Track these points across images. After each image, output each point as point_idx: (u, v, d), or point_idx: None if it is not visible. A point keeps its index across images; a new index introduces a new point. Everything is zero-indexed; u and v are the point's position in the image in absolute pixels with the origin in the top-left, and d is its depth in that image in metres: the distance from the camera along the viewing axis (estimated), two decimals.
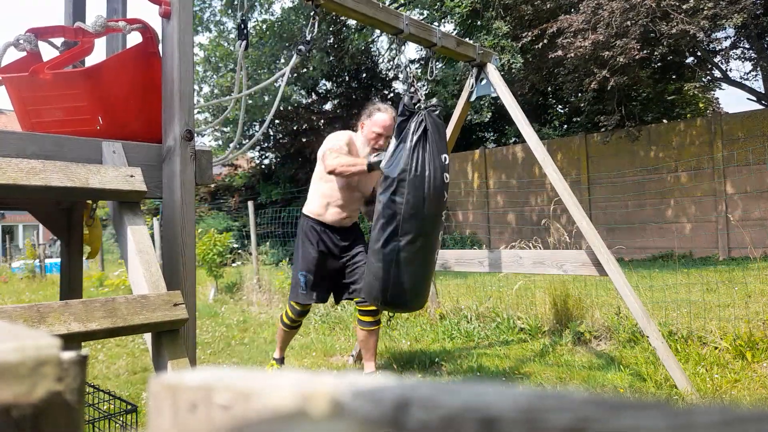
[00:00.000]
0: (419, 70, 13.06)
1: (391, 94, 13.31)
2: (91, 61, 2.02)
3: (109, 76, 1.69)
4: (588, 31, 7.33)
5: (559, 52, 7.66)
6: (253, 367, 3.38)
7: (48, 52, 1.92)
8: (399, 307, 2.70)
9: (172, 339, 1.34)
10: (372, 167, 2.57)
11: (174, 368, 1.29)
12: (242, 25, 2.11)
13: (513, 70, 8.64)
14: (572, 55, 7.50)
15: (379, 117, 2.81)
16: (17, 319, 1.10)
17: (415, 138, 2.50)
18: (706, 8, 6.61)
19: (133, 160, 1.57)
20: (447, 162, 2.52)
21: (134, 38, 1.79)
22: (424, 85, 10.90)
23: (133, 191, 1.45)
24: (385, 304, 2.61)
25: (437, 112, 2.59)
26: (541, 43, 8.14)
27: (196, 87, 12.28)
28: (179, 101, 1.61)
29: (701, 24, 6.65)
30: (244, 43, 2.10)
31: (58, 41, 1.98)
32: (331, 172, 2.68)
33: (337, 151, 2.70)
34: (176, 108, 1.61)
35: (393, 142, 2.55)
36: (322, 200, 2.89)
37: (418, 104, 2.63)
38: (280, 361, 3.20)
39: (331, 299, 3.09)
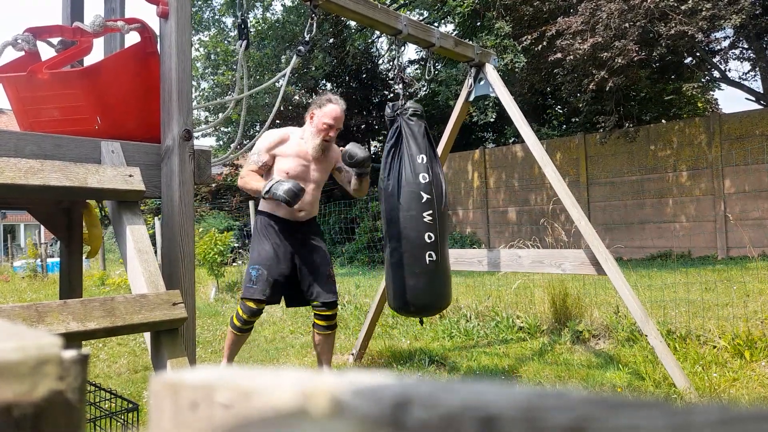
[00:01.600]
0: (418, 71, 13.08)
1: (391, 95, 13.32)
2: (89, 61, 2.01)
3: (108, 75, 1.69)
4: (586, 32, 7.32)
5: (559, 55, 7.66)
6: (254, 365, 3.37)
7: (46, 51, 1.92)
8: (413, 313, 2.69)
9: (171, 338, 1.34)
10: (263, 196, 2.54)
11: (173, 367, 1.29)
12: (242, 25, 2.11)
13: (516, 70, 8.62)
14: (571, 57, 7.51)
15: (330, 108, 2.68)
16: (16, 318, 1.09)
17: (389, 146, 2.64)
18: (704, 9, 6.61)
19: (131, 160, 1.57)
20: (424, 161, 2.57)
21: (132, 38, 1.79)
22: (423, 86, 10.90)
23: (131, 191, 1.45)
24: (399, 310, 2.65)
25: (409, 113, 2.64)
26: (540, 45, 8.13)
27: (195, 84, 12.27)
28: (177, 101, 1.61)
29: (700, 24, 6.65)
30: (245, 42, 2.09)
31: (56, 41, 1.98)
32: (239, 187, 2.71)
33: (252, 164, 2.67)
34: (174, 108, 1.61)
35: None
36: None
37: (398, 110, 2.67)
38: None
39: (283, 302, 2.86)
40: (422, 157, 2.56)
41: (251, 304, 2.64)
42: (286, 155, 2.68)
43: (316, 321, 2.81)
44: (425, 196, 2.52)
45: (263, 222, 2.76)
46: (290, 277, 2.74)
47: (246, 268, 2.76)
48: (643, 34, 7.13)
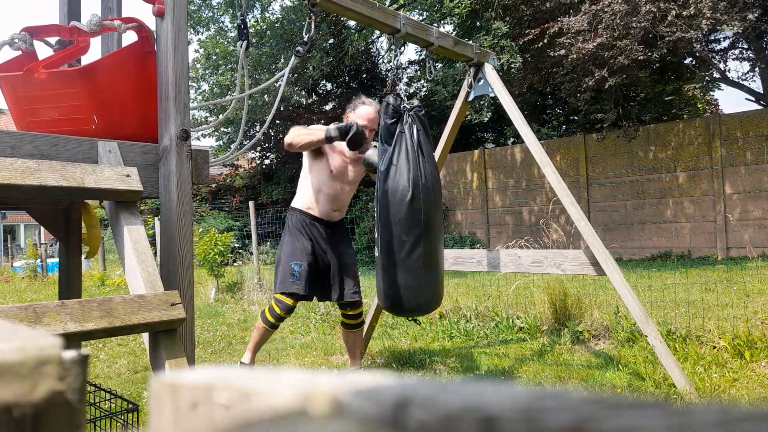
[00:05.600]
0: (418, 72, 13.08)
1: (391, 95, 13.31)
2: (86, 60, 2.01)
3: (105, 75, 1.68)
4: (589, 32, 7.31)
5: (562, 52, 7.63)
6: (254, 365, 3.36)
7: (43, 51, 1.92)
8: (415, 312, 2.71)
9: (169, 338, 1.34)
10: (330, 136, 2.56)
11: (171, 368, 1.29)
12: (242, 26, 2.11)
13: (512, 70, 8.63)
14: (573, 56, 7.48)
15: (364, 110, 2.81)
16: (14, 319, 1.09)
17: (414, 142, 2.54)
18: (704, 18, 6.61)
19: (129, 160, 1.57)
20: (435, 160, 2.68)
21: (129, 37, 1.79)
22: (423, 86, 10.90)
23: (129, 191, 1.45)
24: (402, 311, 2.64)
25: (423, 112, 2.66)
26: (540, 43, 8.12)
27: (195, 85, 12.24)
28: (174, 101, 1.61)
29: (701, 25, 6.65)
30: (245, 43, 2.09)
31: (53, 40, 1.97)
32: (289, 146, 2.67)
33: (296, 129, 2.70)
34: (171, 107, 1.61)
35: (379, 144, 2.58)
36: (312, 192, 2.86)
37: (406, 106, 2.65)
38: (251, 366, 2.90)
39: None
40: (434, 155, 2.66)
41: (289, 300, 2.70)
42: (331, 150, 2.78)
43: (344, 320, 2.95)
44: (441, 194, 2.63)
45: (297, 219, 2.84)
46: (324, 274, 2.86)
47: (279, 261, 2.80)
48: (645, 35, 7.13)
